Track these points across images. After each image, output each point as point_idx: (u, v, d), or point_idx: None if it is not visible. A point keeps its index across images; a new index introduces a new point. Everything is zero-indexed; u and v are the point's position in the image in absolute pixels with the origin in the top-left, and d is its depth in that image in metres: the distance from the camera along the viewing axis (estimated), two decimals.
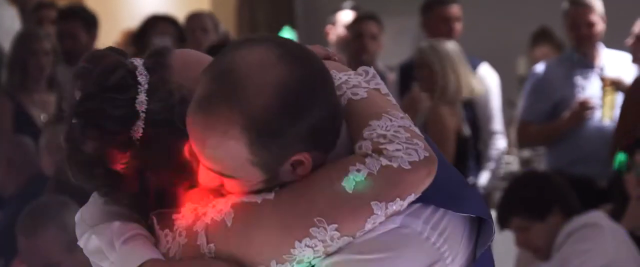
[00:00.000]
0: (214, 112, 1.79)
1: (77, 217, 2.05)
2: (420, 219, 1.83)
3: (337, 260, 1.82)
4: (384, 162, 1.81)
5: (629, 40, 5.78)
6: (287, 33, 8.24)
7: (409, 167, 1.81)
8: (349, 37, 6.53)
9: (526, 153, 7.39)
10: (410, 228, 1.82)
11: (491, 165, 6.02)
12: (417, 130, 1.88)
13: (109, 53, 1.95)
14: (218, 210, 1.85)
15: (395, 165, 1.81)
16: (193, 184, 1.90)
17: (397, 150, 1.82)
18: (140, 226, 1.96)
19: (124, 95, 1.89)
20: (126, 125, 1.89)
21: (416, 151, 1.83)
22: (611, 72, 5.87)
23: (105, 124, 1.90)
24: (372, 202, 1.80)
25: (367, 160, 1.82)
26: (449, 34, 6.04)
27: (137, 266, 1.89)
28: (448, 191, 1.88)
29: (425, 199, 1.84)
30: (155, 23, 6.23)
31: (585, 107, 5.77)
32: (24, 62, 5.65)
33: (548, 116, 5.92)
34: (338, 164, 1.83)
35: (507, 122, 6.43)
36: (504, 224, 4.43)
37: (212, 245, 1.85)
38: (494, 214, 4.55)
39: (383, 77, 6.38)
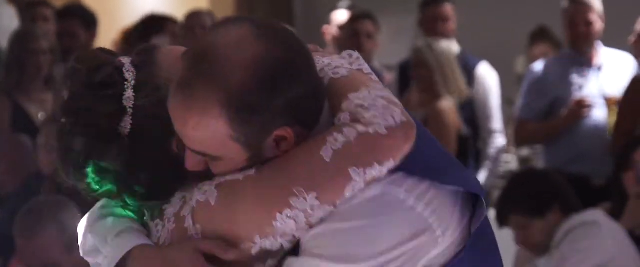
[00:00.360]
0: (192, 92, 1.82)
1: (79, 227, 2.07)
2: (402, 188, 1.83)
3: (320, 231, 1.82)
4: (361, 129, 1.83)
5: (632, 38, 5.77)
6: None
7: (385, 132, 1.82)
8: (344, 36, 6.51)
9: (525, 152, 7.39)
10: (391, 195, 1.82)
11: (490, 164, 6.02)
12: (396, 100, 1.89)
13: (96, 52, 1.98)
14: (203, 191, 1.87)
15: (371, 131, 1.82)
16: (183, 177, 1.92)
17: (374, 116, 1.84)
18: (133, 221, 1.98)
19: (110, 91, 1.92)
20: (114, 121, 1.92)
21: (393, 116, 1.84)
22: (611, 80, 5.87)
23: (94, 120, 1.92)
24: (350, 169, 1.80)
25: (345, 129, 1.83)
26: (442, 33, 6.03)
27: (126, 253, 1.91)
28: (432, 164, 1.89)
29: (407, 169, 1.84)
30: (154, 22, 6.23)
31: (582, 106, 5.77)
32: (21, 61, 5.65)
33: (545, 114, 5.92)
34: (317, 137, 1.85)
35: (506, 121, 6.43)
36: (503, 221, 4.43)
37: (198, 225, 1.86)
38: (493, 212, 4.54)
39: (379, 77, 6.38)
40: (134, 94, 1.93)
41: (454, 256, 1.88)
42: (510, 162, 7.49)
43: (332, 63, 1.95)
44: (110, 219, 1.98)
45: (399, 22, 8.63)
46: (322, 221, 1.82)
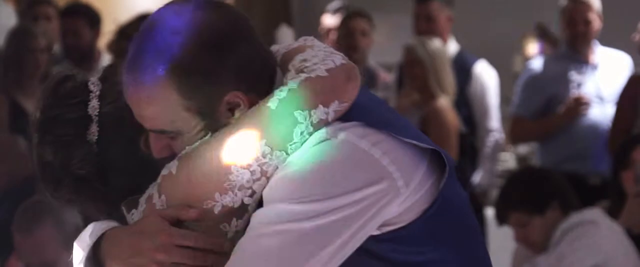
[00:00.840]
0: (139, 66, 1.87)
1: None
2: (353, 133, 1.86)
3: (276, 178, 1.85)
4: (304, 76, 1.88)
5: (637, 35, 5.77)
6: (284, 31, 8.23)
7: (326, 74, 1.88)
8: (338, 35, 6.46)
9: (523, 150, 7.39)
10: (342, 139, 1.85)
11: (487, 162, 6.01)
12: (338, 52, 1.95)
13: (62, 72, 2.06)
14: (167, 166, 1.91)
15: (313, 75, 1.88)
16: (155, 177, 1.94)
17: (315, 64, 1.90)
18: (114, 222, 2.01)
19: (76, 101, 1.99)
20: (81, 129, 1.98)
21: (333, 61, 1.90)
22: (607, 78, 5.87)
23: (61, 130, 1.98)
24: (295, 112, 1.85)
25: (290, 81, 1.88)
26: (430, 32, 6.00)
27: (99, 236, 1.96)
28: (389, 121, 1.91)
29: (363, 120, 1.87)
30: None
31: (579, 103, 5.77)
32: (19, 59, 5.64)
33: (541, 112, 5.92)
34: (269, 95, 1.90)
35: (504, 119, 6.43)
36: (502, 219, 4.43)
37: (163, 197, 1.89)
38: (491, 211, 4.55)
39: (374, 76, 6.37)
40: (98, 103, 1.99)
41: (421, 213, 1.89)
42: (508, 161, 7.50)
43: (286, 44, 2.03)
44: (91, 226, 2.02)
45: (396, 21, 8.62)
46: (278, 170, 1.85)
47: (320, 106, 1.86)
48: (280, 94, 1.87)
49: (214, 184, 1.85)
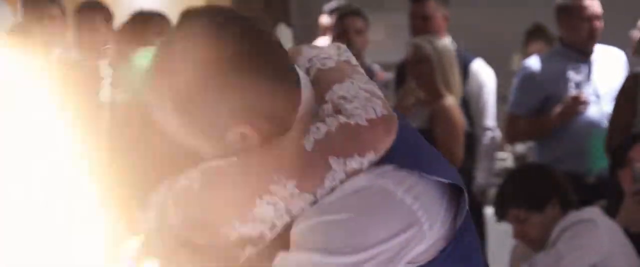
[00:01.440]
0: (152, 83, 1.87)
1: None
2: (391, 180, 1.84)
3: (310, 224, 1.82)
4: (342, 119, 1.84)
5: (636, 33, 5.76)
6: (283, 30, 8.22)
7: (366, 124, 1.84)
8: (334, 34, 6.46)
9: (521, 149, 7.39)
10: (380, 188, 1.83)
11: (485, 161, 6.01)
12: (379, 92, 1.91)
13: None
14: (188, 177, 1.88)
15: (352, 122, 1.84)
16: (167, 167, 1.93)
17: (356, 108, 1.86)
18: None
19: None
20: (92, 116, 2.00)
21: (374, 108, 1.86)
22: (604, 76, 5.86)
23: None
24: (330, 158, 1.82)
25: (327, 119, 1.85)
26: (427, 31, 5.99)
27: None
28: (419, 156, 1.90)
29: (395, 161, 1.86)
30: (143, 19, 6.21)
31: (578, 102, 5.76)
32: None
33: (537, 111, 5.91)
34: (300, 127, 1.86)
35: (502, 118, 6.42)
36: (501, 216, 4.44)
37: (179, 210, 1.87)
38: (490, 209, 4.55)
39: (371, 74, 6.35)
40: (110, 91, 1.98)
41: (439, 252, 1.90)
42: (506, 160, 7.49)
43: (320, 54, 1.98)
44: None
45: (394, 20, 8.62)
46: (308, 214, 1.83)
47: (356, 155, 1.83)
48: (316, 133, 1.83)
49: (235, 212, 1.83)
